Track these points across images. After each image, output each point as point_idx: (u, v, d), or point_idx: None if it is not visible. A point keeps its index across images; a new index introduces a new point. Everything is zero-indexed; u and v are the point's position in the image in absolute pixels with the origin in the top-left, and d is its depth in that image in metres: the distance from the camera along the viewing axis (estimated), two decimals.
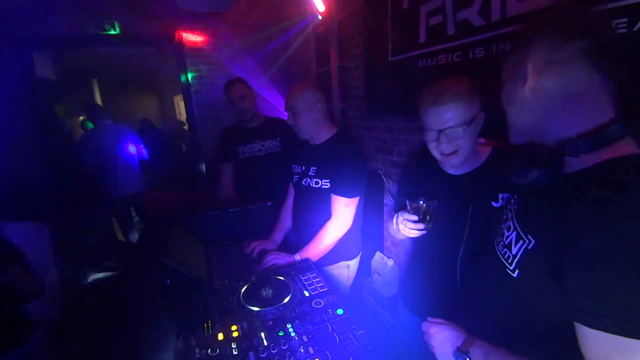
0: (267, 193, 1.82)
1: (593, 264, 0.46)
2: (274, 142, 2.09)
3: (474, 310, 0.80)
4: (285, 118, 1.50)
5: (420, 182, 1.11)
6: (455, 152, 0.93)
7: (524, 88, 0.59)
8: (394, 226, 1.09)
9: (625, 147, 0.53)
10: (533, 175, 0.57)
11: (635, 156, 0.51)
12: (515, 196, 0.72)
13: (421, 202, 0.98)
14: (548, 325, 0.60)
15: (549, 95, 0.56)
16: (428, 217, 0.98)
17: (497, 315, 0.71)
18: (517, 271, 0.61)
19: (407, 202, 1.02)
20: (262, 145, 2.08)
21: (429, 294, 1.12)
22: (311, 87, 1.44)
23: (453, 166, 0.99)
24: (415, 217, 0.99)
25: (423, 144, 1.01)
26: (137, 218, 3.49)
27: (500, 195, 0.93)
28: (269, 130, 2.09)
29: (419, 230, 0.99)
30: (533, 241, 0.58)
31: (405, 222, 1.00)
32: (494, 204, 0.93)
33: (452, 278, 1.01)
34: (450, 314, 0.84)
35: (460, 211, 0.98)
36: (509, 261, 0.63)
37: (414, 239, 1.15)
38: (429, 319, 0.77)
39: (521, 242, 0.61)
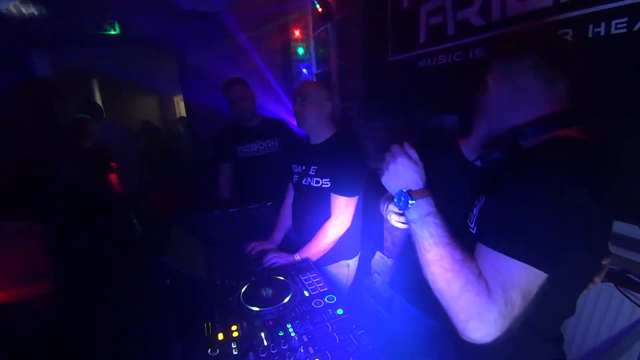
0: (266, 193, 1.82)
1: (502, 201, 0.61)
2: (272, 142, 2.08)
3: None
4: (284, 119, 1.50)
5: (434, 166, 1.06)
6: None
7: (486, 96, 0.76)
8: (383, 212, 1.05)
9: (567, 132, 0.64)
10: (495, 154, 0.72)
11: (561, 138, 0.63)
12: None
13: None
14: None
15: (504, 99, 0.73)
16: None
17: None
18: (475, 228, 0.72)
19: (388, 196, 0.97)
20: (261, 146, 2.08)
21: (424, 281, 1.09)
22: (325, 85, 1.47)
23: None
24: (399, 210, 0.96)
25: (436, 129, 1.01)
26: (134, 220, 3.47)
27: None
28: (268, 131, 2.09)
29: (403, 223, 0.95)
30: (484, 198, 0.70)
31: (390, 212, 0.97)
32: None
33: None
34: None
35: (468, 202, 0.95)
36: (471, 220, 0.74)
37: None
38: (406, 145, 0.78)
39: (477, 201, 0.73)
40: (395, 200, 0.72)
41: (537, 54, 0.67)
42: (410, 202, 0.69)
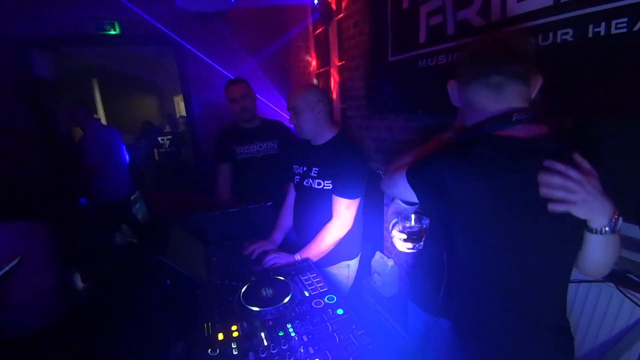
0: (265, 194, 1.81)
1: None
2: (271, 143, 2.08)
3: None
4: (284, 118, 1.50)
5: None
6: None
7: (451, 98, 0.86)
8: (390, 232, 1.09)
9: (508, 132, 0.72)
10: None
11: (490, 136, 0.72)
12: None
13: (407, 221, 0.99)
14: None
15: (462, 103, 0.83)
16: (415, 237, 0.99)
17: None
18: None
19: (398, 219, 1.01)
20: (260, 147, 2.07)
21: (432, 286, 1.11)
22: (313, 87, 1.44)
23: None
24: (404, 236, 0.99)
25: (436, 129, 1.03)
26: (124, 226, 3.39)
27: None
28: (267, 132, 2.09)
29: (408, 249, 1.00)
30: None
31: (396, 237, 1.02)
32: None
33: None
34: (458, 305, 0.88)
35: None
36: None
37: None
38: None
39: None
40: (607, 228, 0.66)
41: (482, 64, 0.74)
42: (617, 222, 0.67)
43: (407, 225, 1.00)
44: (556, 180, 0.61)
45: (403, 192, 0.83)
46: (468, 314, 0.83)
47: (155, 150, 4.97)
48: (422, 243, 1.00)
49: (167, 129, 5.63)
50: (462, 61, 0.81)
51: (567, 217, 0.64)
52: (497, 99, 0.74)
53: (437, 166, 0.74)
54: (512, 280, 0.75)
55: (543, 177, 0.62)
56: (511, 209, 0.69)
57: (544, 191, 0.62)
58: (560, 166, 0.61)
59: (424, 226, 1.00)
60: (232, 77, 2.10)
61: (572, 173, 0.61)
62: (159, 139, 4.92)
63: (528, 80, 0.74)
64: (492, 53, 0.74)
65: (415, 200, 0.81)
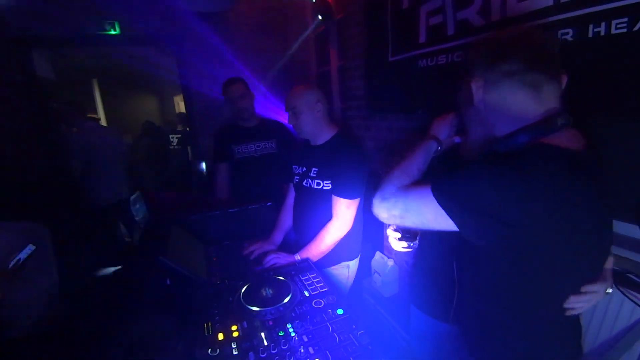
0: (263, 194, 1.82)
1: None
2: (269, 143, 2.08)
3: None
4: (283, 119, 1.50)
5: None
6: None
7: (473, 102, 0.73)
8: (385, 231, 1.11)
9: (555, 140, 0.64)
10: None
11: (539, 145, 0.63)
12: None
13: None
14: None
15: (488, 106, 0.72)
16: (410, 236, 1.00)
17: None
18: None
19: None
20: (258, 146, 2.07)
21: (437, 292, 1.12)
22: (311, 87, 1.44)
23: None
24: (398, 235, 1.01)
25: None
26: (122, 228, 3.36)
27: None
28: (266, 131, 2.09)
29: (403, 248, 1.01)
30: None
31: (391, 237, 1.04)
32: None
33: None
34: (459, 309, 0.89)
35: None
36: None
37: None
38: None
39: None
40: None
41: (516, 60, 0.66)
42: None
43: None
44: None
45: (431, 219, 0.67)
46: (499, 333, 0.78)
47: (169, 146, 4.95)
48: (417, 242, 1.01)
49: (180, 127, 5.63)
50: (487, 57, 0.70)
51: (609, 234, 0.69)
52: (535, 99, 0.66)
53: (481, 183, 0.61)
54: (564, 299, 0.71)
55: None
56: (573, 229, 0.61)
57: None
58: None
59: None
60: (231, 77, 2.10)
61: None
62: (170, 136, 4.93)
63: (560, 78, 0.68)
64: (525, 48, 0.66)
65: (449, 226, 0.65)
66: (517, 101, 0.67)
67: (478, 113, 0.75)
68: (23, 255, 1.21)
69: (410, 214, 0.70)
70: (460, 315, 0.90)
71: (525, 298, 0.70)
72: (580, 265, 0.69)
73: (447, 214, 0.63)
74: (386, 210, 0.73)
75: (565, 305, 0.71)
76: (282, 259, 1.37)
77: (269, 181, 2.02)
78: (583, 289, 0.71)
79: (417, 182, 0.75)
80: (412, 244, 1.01)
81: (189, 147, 4.98)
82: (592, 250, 0.69)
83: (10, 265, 1.19)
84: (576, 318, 0.78)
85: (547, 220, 0.58)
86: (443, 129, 0.91)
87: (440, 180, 0.67)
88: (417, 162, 0.83)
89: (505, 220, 0.59)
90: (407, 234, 1.01)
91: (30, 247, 1.21)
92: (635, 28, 0.86)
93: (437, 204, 0.64)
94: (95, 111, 6.12)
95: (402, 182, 0.75)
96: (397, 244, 1.03)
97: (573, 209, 0.59)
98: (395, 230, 1.03)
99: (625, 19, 0.87)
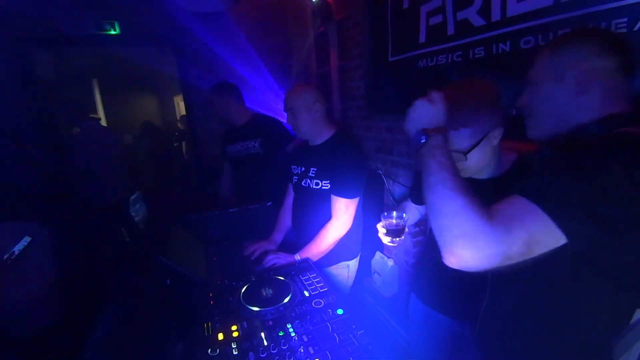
0: (252, 194, 1.82)
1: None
2: (253, 143, 2.03)
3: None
4: (277, 116, 1.49)
5: None
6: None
7: (561, 89, 0.66)
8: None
9: (629, 129, 0.57)
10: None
11: (627, 133, 0.56)
12: None
13: (388, 218, 1.05)
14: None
15: (585, 94, 0.64)
16: (394, 233, 1.04)
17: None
18: None
19: (382, 215, 1.07)
20: (242, 146, 2.05)
21: (440, 285, 1.12)
22: (310, 87, 1.44)
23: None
24: (384, 230, 1.05)
25: None
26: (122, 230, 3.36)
27: None
28: (250, 131, 2.04)
29: (388, 242, 1.05)
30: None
31: (380, 232, 1.08)
32: None
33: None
34: (463, 304, 0.91)
35: None
36: None
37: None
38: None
39: None
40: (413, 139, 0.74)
41: (623, 56, 0.63)
42: (423, 139, 0.71)
43: (389, 222, 1.06)
44: None
45: (540, 239, 0.52)
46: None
47: (179, 144, 4.97)
48: (402, 237, 1.05)
49: (180, 126, 5.64)
50: (575, 53, 0.65)
51: None
52: (620, 93, 0.64)
53: (611, 176, 0.50)
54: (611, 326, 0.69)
55: None
56: None
57: None
58: None
59: (404, 222, 1.05)
60: (231, 78, 2.11)
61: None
62: (170, 137, 4.95)
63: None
64: (607, 44, 0.64)
65: (554, 243, 0.52)
66: (614, 91, 0.64)
67: (560, 105, 0.67)
68: (18, 247, 1.21)
69: (517, 237, 0.52)
70: (470, 314, 0.88)
71: (572, 318, 0.65)
72: None
73: (560, 228, 0.50)
74: (503, 257, 0.52)
75: None
76: (282, 259, 1.37)
77: (256, 181, 2.00)
78: None
79: (497, 199, 0.57)
80: (395, 239, 1.05)
81: (187, 147, 5.00)
82: None
83: (4, 257, 1.19)
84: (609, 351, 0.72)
85: None
86: (436, 117, 0.76)
87: (536, 186, 0.54)
88: (451, 169, 0.65)
89: (614, 226, 0.49)
90: (392, 231, 1.05)
91: (26, 239, 1.21)
92: (635, 28, 0.86)
93: (546, 217, 0.51)
94: (95, 111, 6.12)
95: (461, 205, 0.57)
96: (384, 239, 1.07)
97: None
98: (383, 226, 1.07)
99: (625, 19, 0.87)
